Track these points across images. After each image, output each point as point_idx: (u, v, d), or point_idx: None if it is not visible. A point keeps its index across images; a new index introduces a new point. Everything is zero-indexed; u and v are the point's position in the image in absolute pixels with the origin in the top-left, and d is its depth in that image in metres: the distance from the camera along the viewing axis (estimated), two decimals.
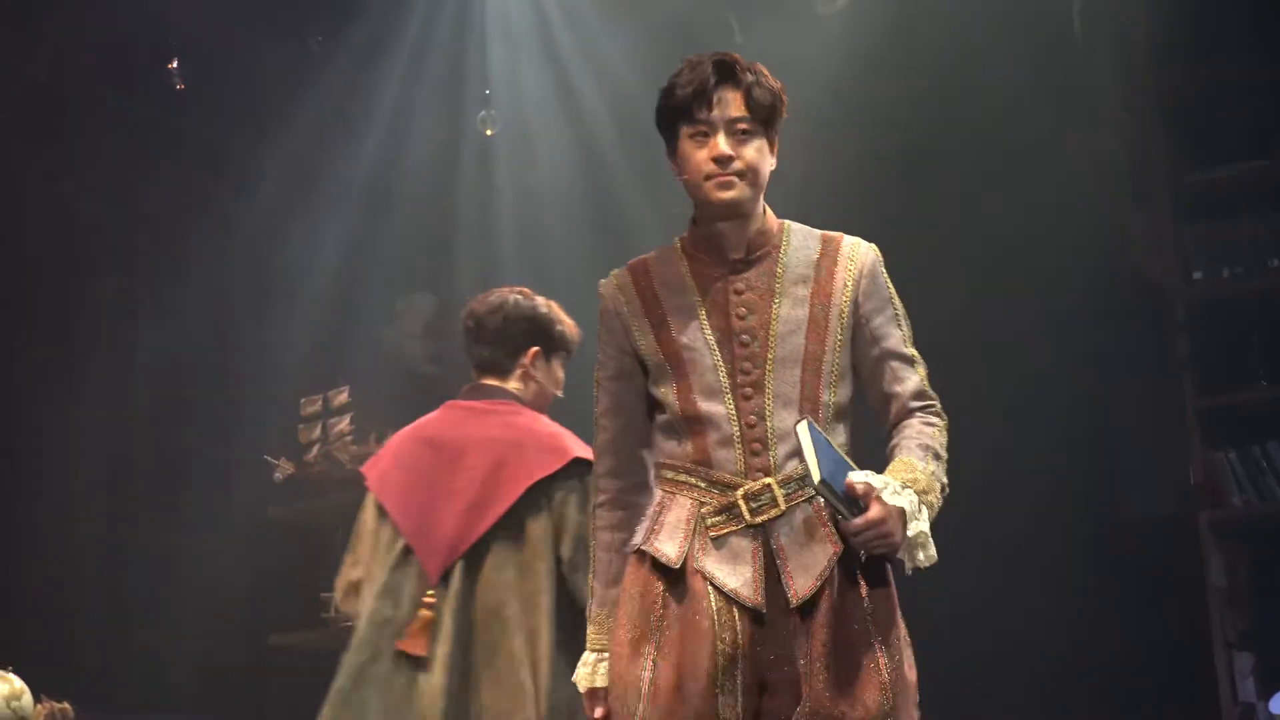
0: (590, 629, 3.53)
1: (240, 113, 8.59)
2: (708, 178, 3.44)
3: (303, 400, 7.62)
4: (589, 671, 3.51)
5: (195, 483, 8.41)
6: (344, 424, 7.44)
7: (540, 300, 4.93)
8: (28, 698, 4.63)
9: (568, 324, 4.91)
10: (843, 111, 7.94)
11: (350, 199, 8.89)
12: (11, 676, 4.67)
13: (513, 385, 4.79)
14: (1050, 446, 7.60)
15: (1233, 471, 7.09)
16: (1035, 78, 7.63)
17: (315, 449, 7.45)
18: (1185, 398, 7.25)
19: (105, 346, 8.23)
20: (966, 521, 7.50)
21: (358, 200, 8.90)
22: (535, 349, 4.82)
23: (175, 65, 8.16)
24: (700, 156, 3.45)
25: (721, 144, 3.41)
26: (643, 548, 3.41)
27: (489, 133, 8.40)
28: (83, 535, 7.87)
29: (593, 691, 3.50)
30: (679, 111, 3.47)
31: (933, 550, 3.36)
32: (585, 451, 4.40)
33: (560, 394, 4.91)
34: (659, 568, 3.37)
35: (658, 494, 3.45)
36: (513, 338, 4.83)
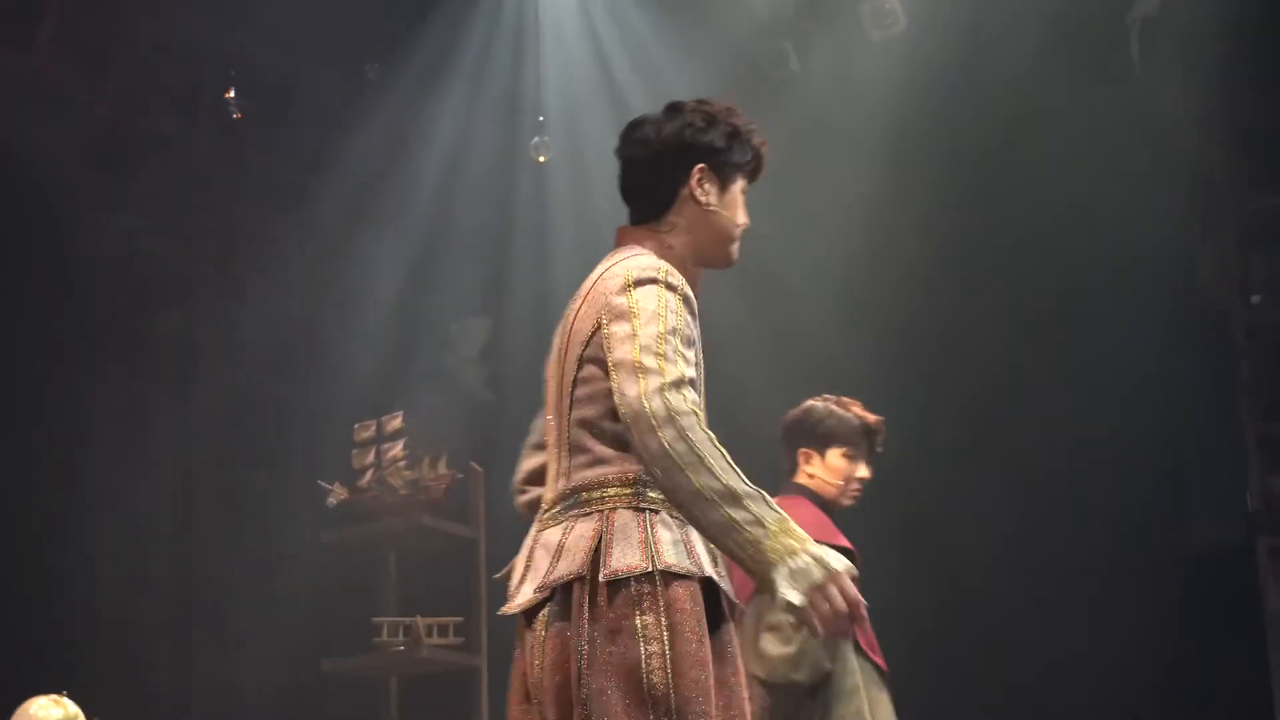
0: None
1: (298, 142, 8.64)
2: (736, 239, 3.41)
3: (356, 426, 7.63)
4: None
5: (253, 509, 8.47)
6: (398, 449, 7.44)
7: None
8: None
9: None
10: (901, 138, 7.92)
11: (407, 225, 8.92)
12: (66, 701, 4.70)
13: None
14: (1111, 472, 7.55)
15: None
16: (1100, 103, 7.60)
17: (369, 474, 7.46)
18: (1245, 423, 7.20)
19: (167, 376, 8.30)
20: (1026, 546, 7.52)
21: (414, 226, 8.93)
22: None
23: (232, 95, 8.22)
24: (743, 215, 3.41)
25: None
26: (711, 576, 3.15)
27: (541, 159, 8.40)
28: (144, 562, 7.93)
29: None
30: (754, 163, 3.42)
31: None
32: None
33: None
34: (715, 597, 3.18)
35: (657, 513, 3.16)
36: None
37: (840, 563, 2.97)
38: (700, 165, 3.32)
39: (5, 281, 7.63)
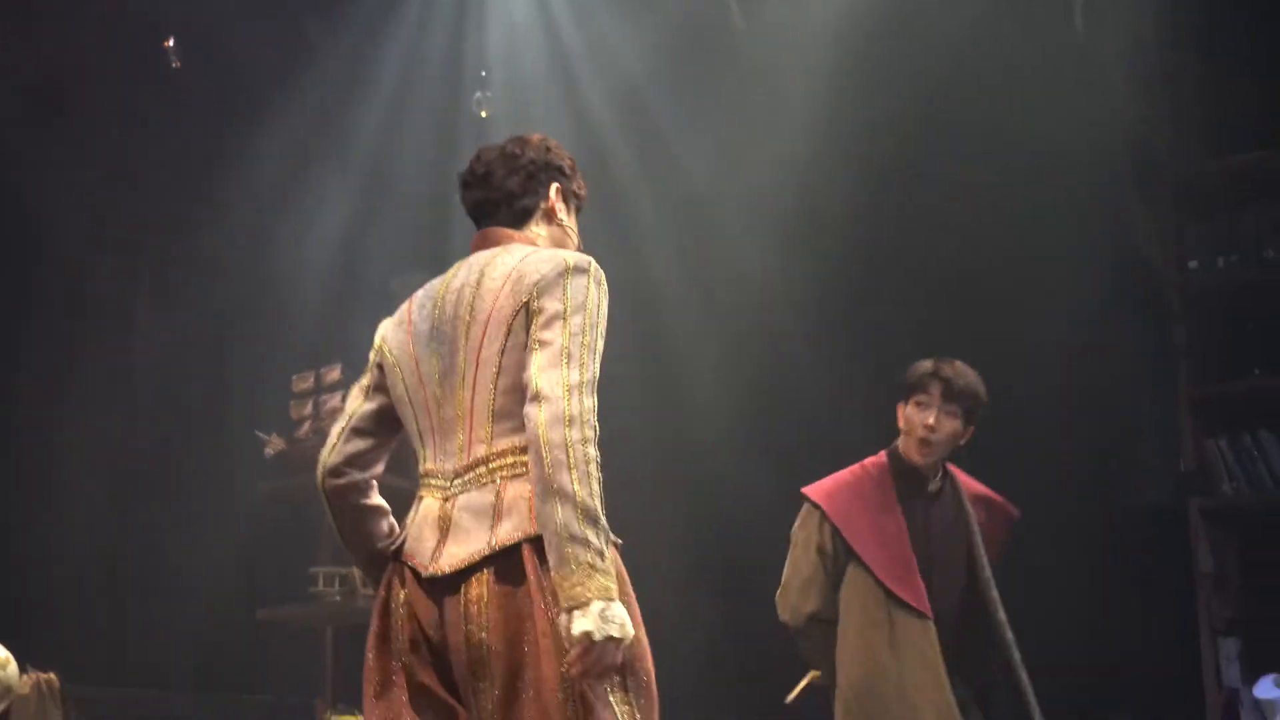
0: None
1: (238, 96, 8.59)
2: None
3: (295, 377, 7.62)
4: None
5: (191, 460, 8.43)
6: (336, 401, 7.44)
7: None
8: (13, 668, 4.64)
9: None
10: (840, 95, 7.95)
11: (347, 179, 8.89)
12: None
13: None
14: (1044, 433, 7.61)
15: (1224, 459, 7.11)
16: (1037, 67, 7.64)
17: (307, 425, 7.45)
18: (1179, 386, 7.27)
19: (105, 328, 8.25)
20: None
21: (355, 180, 8.90)
22: None
23: (172, 44, 8.16)
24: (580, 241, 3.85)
25: None
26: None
27: (484, 114, 8.39)
28: (80, 512, 7.90)
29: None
30: (582, 199, 3.90)
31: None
32: None
33: None
34: None
35: None
36: None
37: (629, 630, 3.15)
38: (557, 185, 3.69)
39: None
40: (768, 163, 8.25)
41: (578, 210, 3.78)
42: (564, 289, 3.33)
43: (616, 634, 3.11)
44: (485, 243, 3.60)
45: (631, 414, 8.68)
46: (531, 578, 3.22)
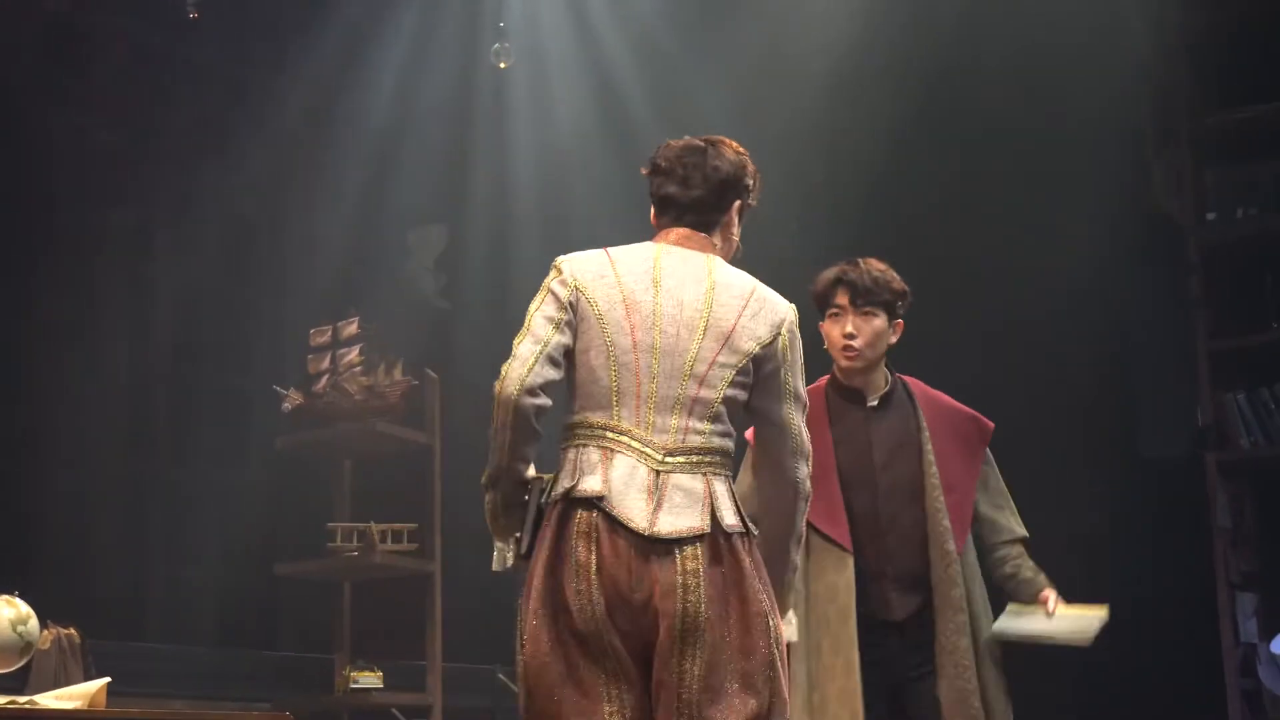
0: None
1: (257, 44, 8.57)
2: None
3: (312, 331, 7.60)
4: None
5: (209, 414, 8.44)
6: (353, 355, 7.42)
7: None
8: (34, 623, 4.63)
9: None
10: (858, 47, 7.93)
11: (365, 130, 8.88)
12: (18, 602, 4.68)
13: None
14: (1061, 384, 7.61)
15: (1241, 413, 7.10)
16: (1057, 18, 7.60)
17: (324, 379, 7.44)
18: (1197, 339, 7.25)
19: (123, 278, 8.24)
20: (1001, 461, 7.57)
21: (373, 131, 8.88)
22: None
23: None
24: None
25: None
26: None
27: (503, 65, 8.36)
28: (99, 466, 7.90)
29: None
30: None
31: None
32: None
33: None
34: None
35: None
36: None
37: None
38: (739, 202, 3.95)
39: None
40: (785, 112, 8.23)
41: (750, 209, 4.04)
42: (799, 344, 3.81)
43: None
44: (680, 241, 3.88)
45: None
46: (747, 563, 3.61)
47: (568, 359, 3.74)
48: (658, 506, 3.58)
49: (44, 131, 7.88)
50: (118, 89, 8.13)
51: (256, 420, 8.08)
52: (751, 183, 3.96)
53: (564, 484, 3.65)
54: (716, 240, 3.90)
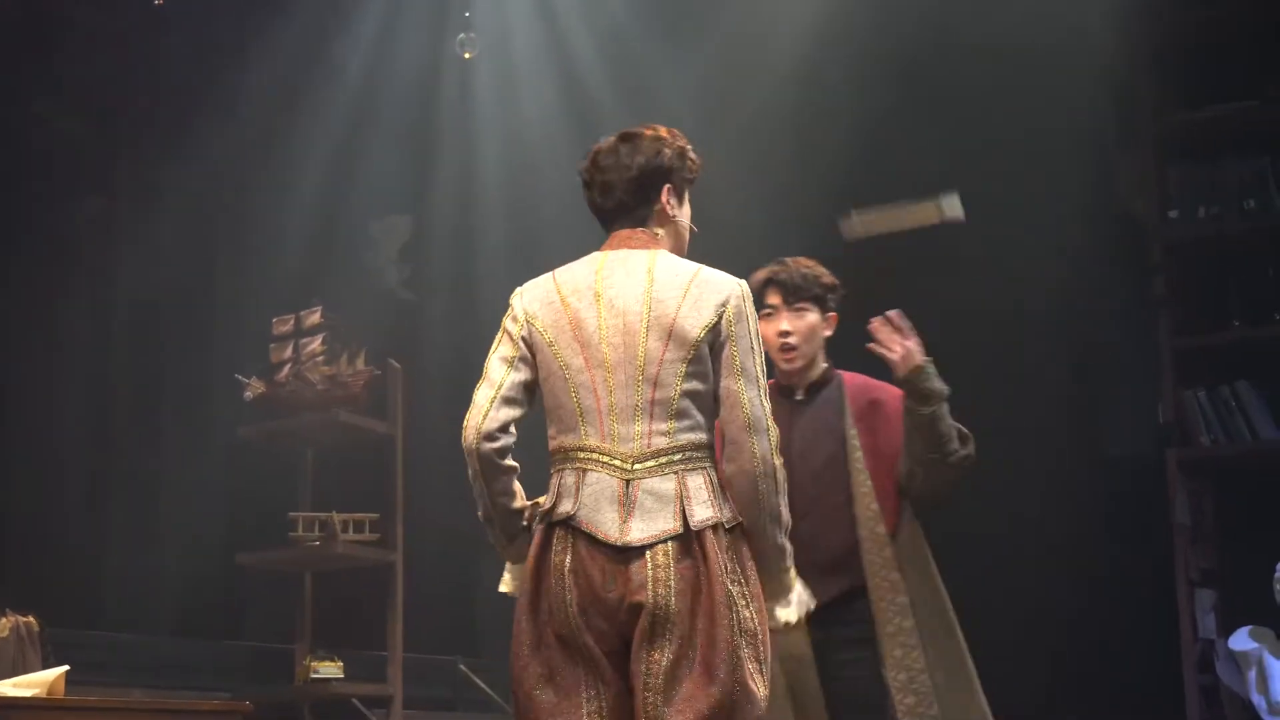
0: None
1: (220, 33, 8.53)
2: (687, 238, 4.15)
3: (275, 320, 7.58)
4: None
5: (171, 402, 8.41)
6: (316, 344, 7.40)
7: None
8: None
9: None
10: (825, 45, 7.94)
11: (329, 119, 8.85)
12: None
13: None
14: (1023, 382, 7.63)
15: (1202, 411, 7.14)
16: (1020, 17, 7.61)
17: (287, 369, 7.42)
18: (1159, 337, 7.28)
19: (84, 266, 8.20)
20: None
21: (337, 121, 8.85)
22: None
23: None
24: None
25: None
26: None
27: (467, 56, 8.35)
28: (58, 454, 7.86)
29: None
30: (695, 173, 4.11)
31: None
32: None
33: None
34: None
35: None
36: None
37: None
38: (667, 185, 3.96)
39: None
40: (753, 109, 8.24)
41: (690, 184, 4.06)
42: (749, 319, 3.82)
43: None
44: (622, 243, 3.95)
45: None
46: (713, 556, 3.67)
47: (530, 391, 3.88)
48: (629, 514, 3.72)
49: (4, 121, 7.84)
50: (79, 78, 8.08)
51: (218, 409, 8.05)
52: (678, 162, 3.98)
53: (545, 508, 3.81)
54: (658, 231, 3.96)
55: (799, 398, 4.91)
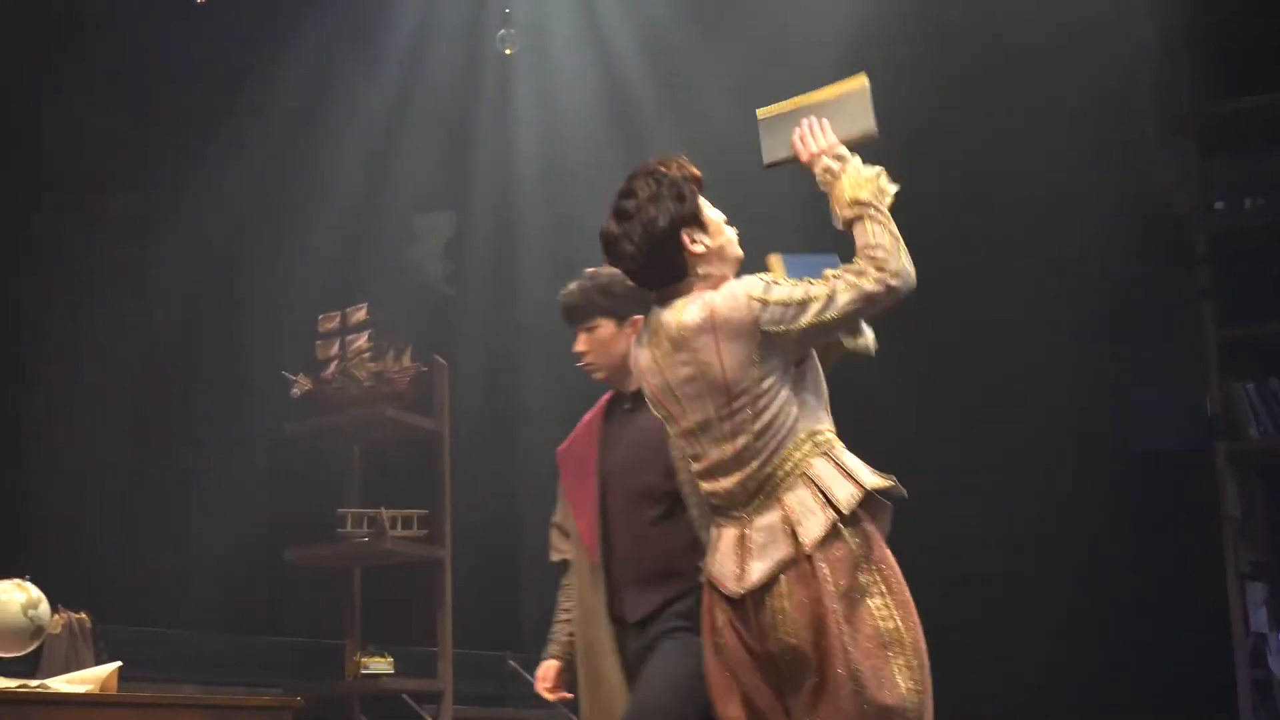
0: None
1: (259, 28, 8.55)
2: (732, 242, 4.06)
3: (320, 317, 7.60)
4: None
5: (214, 399, 8.43)
6: (362, 340, 7.42)
7: None
8: (45, 607, 4.64)
9: None
10: (865, 38, 7.92)
11: (371, 116, 8.88)
12: (29, 586, 4.68)
13: None
14: (1070, 378, 7.61)
15: (1250, 403, 7.10)
16: (1060, 9, 7.59)
17: (333, 365, 7.45)
18: (1206, 329, 7.25)
19: (124, 264, 8.22)
20: (985, 449, 7.59)
21: (378, 118, 8.88)
22: None
23: None
24: (719, 222, 4.06)
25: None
26: None
27: (508, 52, 8.36)
28: (103, 451, 7.89)
29: None
30: (699, 182, 4.06)
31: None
32: None
33: None
34: None
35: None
36: None
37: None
38: (683, 231, 3.94)
39: None
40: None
41: (698, 199, 4.00)
42: (773, 300, 3.78)
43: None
44: (663, 302, 3.99)
45: None
46: (826, 587, 3.72)
47: None
48: (746, 556, 3.83)
49: (43, 119, 7.87)
50: (118, 75, 8.11)
51: (264, 406, 8.07)
52: (676, 205, 3.94)
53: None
54: (700, 271, 3.97)
55: (628, 406, 4.76)
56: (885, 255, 3.82)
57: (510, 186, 9.27)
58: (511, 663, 8.34)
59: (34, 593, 4.67)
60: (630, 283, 4.33)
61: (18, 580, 4.68)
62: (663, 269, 3.96)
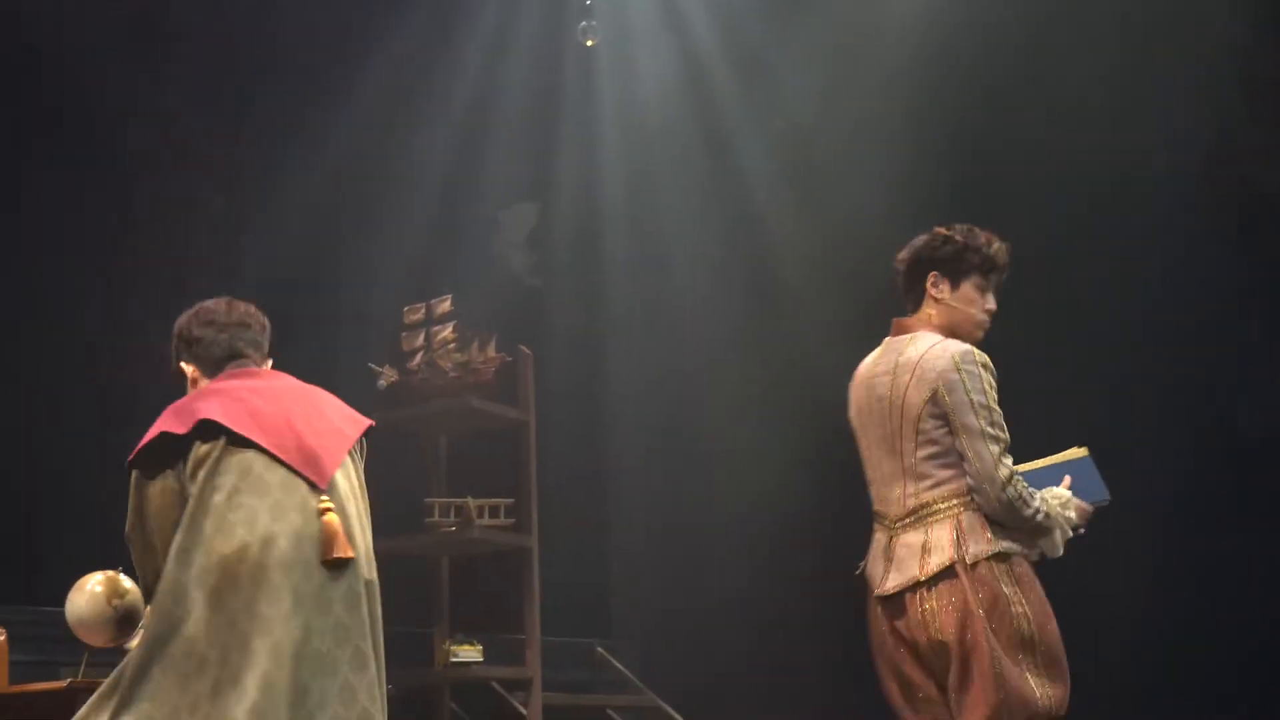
0: None
1: (340, 24, 8.61)
2: (982, 324, 4.57)
3: (406, 309, 7.67)
4: None
5: None
6: (447, 331, 7.48)
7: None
8: (133, 598, 4.70)
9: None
10: (946, 22, 7.91)
11: (453, 109, 8.92)
12: (121, 577, 4.76)
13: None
14: (1156, 365, 7.56)
15: None
16: None
17: (419, 357, 7.51)
18: None
19: (211, 260, 8.30)
20: (1073, 439, 7.54)
21: (461, 110, 8.92)
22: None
23: None
24: (981, 303, 4.57)
25: (993, 302, 4.58)
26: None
27: (590, 43, 8.39)
28: None
29: None
30: (986, 263, 4.55)
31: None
32: None
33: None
34: None
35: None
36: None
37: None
38: (932, 273, 4.53)
39: (45, 173, 7.62)
40: (872, 89, 8.22)
41: (987, 273, 4.54)
42: (964, 386, 4.31)
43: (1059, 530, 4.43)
44: (897, 329, 4.58)
45: (734, 341, 8.71)
46: (968, 589, 4.27)
47: None
48: (889, 567, 4.42)
49: (131, 117, 7.95)
50: (199, 77, 8.18)
51: (351, 398, 8.12)
52: (947, 249, 4.51)
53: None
54: (930, 312, 4.53)
55: None
56: (1029, 516, 4.34)
57: (592, 177, 9.30)
58: (600, 649, 8.38)
59: (125, 583, 4.73)
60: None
61: (109, 572, 4.75)
62: (904, 288, 4.61)
